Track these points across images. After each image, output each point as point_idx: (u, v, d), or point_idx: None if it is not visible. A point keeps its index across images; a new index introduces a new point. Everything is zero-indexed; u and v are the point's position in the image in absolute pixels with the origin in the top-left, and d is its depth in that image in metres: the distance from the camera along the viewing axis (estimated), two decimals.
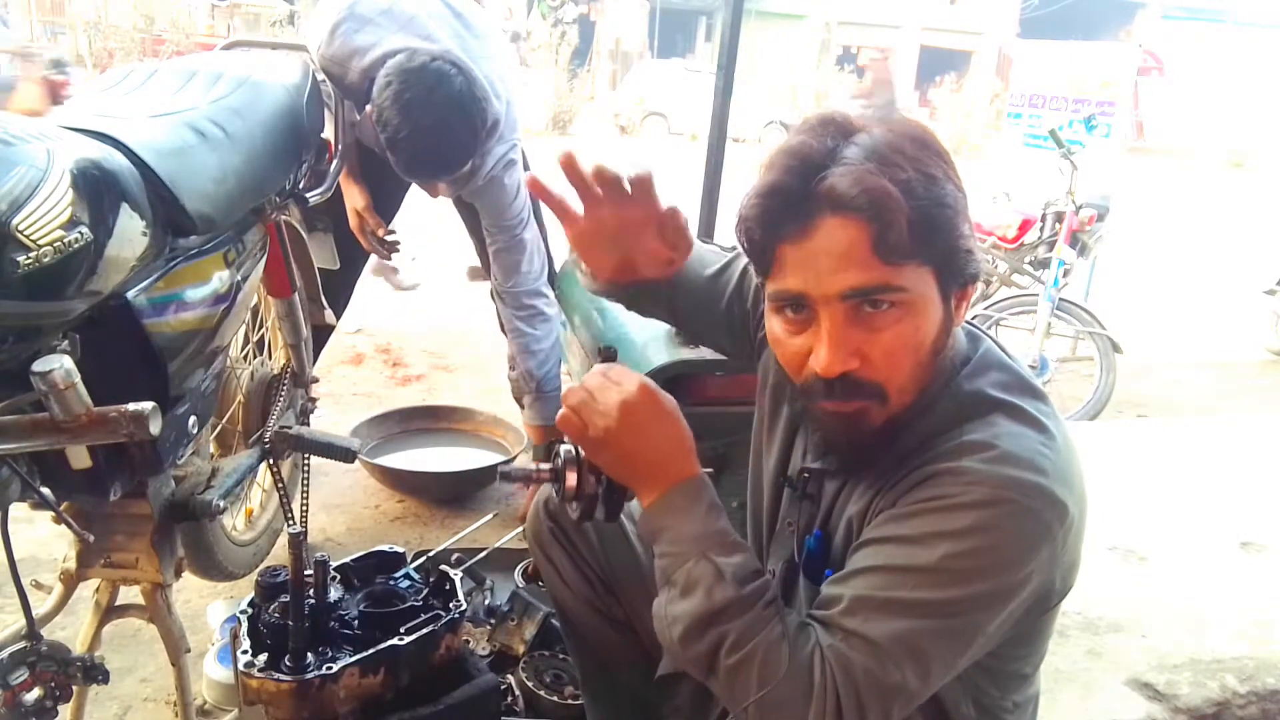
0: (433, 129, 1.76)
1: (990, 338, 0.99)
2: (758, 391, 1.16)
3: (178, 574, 1.38)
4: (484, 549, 1.89)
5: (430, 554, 1.38)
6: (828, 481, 1.01)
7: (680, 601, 0.88)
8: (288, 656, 1.05)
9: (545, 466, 0.99)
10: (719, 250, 1.23)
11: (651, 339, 1.87)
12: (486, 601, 1.82)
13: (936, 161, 0.86)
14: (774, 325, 0.93)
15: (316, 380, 1.96)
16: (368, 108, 1.85)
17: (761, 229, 0.88)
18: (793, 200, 0.85)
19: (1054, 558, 0.86)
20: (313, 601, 1.08)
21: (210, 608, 1.80)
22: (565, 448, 0.98)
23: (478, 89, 1.82)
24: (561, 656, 1.63)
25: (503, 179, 2.07)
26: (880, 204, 0.82)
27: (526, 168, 2.21)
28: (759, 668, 0.83)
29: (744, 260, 1.19)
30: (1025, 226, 4.25)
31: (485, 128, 1.86)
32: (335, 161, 1.84)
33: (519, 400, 2.33)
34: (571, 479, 0.97)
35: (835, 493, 0.99)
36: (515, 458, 2.49)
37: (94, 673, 1.19)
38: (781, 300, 0.90)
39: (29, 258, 0.89)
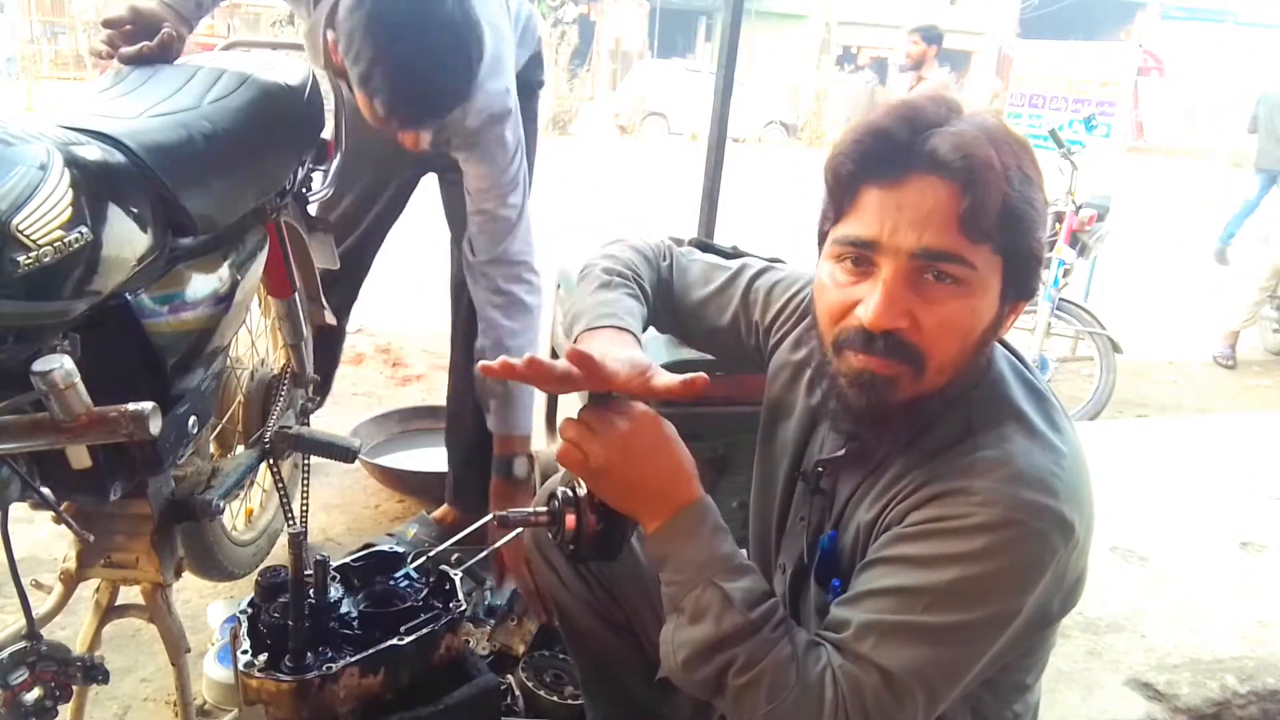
0: (421, 55, 1.41)
1: (998, 339, 0.98)
2: (765, 394, 1.15)
3: (178, 574, 1.38)
4: (484, 549, 1.89)
5: (430, 554, 1.38)
6: (842, 478, 1.00)
7: (688, 628, 0.87)
8: (288, 656, 1.05)
9: (543, 509, 0.98)
10: (721, 264, 1.23)
11: (651, 338, 1.86)
12: (486, 601, 1.82)
13: (1033, 168, 0.86)
14: (826, 273, 0.91)
15: (316, 380, 1.95)
16: (329, 33, 1.50)
17: (854, 164, 0.86)
18: (895, 146, 0.84)
19: (1056, 578, 0.85)
20: (313, 601, 1.08)
21: (210, 608, 1.80)
22: (563, 490, 0.97)
23: (469, 7, 1.45)
24: (561, 656, 1.63)
25: (501, 130, 1.72)
26: (980, 175, 0.81)
27: (532, 119, 1.95)
28: (767, 687, 0.83)
29: (747, 275, 1.20)
30: None
31: (480, 57, 1.49)
32: (335, 161, 1.83)
33: (484, 403, 1.88)
34: (570, 521, 0.96)
35: (849, 493, 0.98)
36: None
37: (94, 673, 1.19)
38: (847, 245, 0.87)
39: (29, 258, 0.89)
